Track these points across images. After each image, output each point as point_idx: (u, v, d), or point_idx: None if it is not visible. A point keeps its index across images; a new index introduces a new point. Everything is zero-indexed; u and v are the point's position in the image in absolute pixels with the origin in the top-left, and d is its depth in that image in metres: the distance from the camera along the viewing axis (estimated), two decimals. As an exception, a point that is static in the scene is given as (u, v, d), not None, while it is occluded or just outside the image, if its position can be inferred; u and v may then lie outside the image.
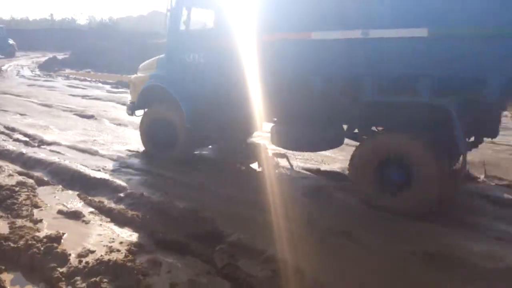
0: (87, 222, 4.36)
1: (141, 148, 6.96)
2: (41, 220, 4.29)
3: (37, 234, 3.85)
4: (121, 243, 3.88)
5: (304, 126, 5.16)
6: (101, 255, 3.54)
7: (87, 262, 3.41)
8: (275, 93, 5.13)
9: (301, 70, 4.90)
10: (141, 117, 6.81)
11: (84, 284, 3.16)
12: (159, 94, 6.40)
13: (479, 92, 3.99)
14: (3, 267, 3.44)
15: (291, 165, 6.21)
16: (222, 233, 4.09)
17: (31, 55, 33.21)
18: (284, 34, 4.91)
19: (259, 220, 4.40)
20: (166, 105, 6.38)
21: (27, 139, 7.60)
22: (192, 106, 6.05)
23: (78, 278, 3.24)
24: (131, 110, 7.01)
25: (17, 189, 5.00)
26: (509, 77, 3.85)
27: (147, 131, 6.69)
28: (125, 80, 18.33)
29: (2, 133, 8.08)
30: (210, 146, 7.08)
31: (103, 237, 4.01)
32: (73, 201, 4.97)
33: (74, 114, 10.38)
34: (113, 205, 4.86)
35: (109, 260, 3.37)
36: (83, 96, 13.74)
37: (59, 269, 3.33)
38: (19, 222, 4.19)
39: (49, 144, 7.30)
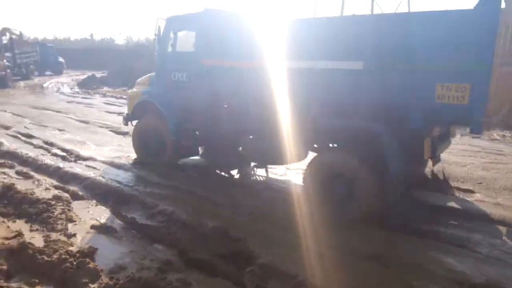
0: (119, 238, 4.39)
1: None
2: (75, 235, 4.35)
3: (70, 248, 3.90)
4: (152, 260, 3.87)
5: (274, 142, 5.63)
6: (132, 272, 3.53)
7: (118, 279, 3.40)
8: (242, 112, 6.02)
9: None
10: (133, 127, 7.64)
11: (114, 302, 3.14)
12: (150, 108, 7.27)
13: (406, 119, 4.58)
14: (36, 281, 3.48)
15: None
16: (253, 254, 4.00)
17: (71, 73, 34.72)
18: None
19: (290, 241, 4.30)
20: (155, 118, 7.18)
21: (64, 154, 7.82)
22: (176, 119, 6.83)
23: (109, 295, 3.23)
24: (126, 120, 7.90)
25: (53, 202, 5.11)
26: (427, 107, 4.44)
27: (138, 139, 7.54)
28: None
29: (41, 147, 8.35)
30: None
31: (135, 254, 4.01)
32: (106, 216, 5.03)
33: (110, 131, 10.66)
34: (144, 222, 4.88)
35: (140, 278, 3.35)
36: (119, 113, 14.11)
37: (90, 285, 3.33)
38: (54, 235, 4.26)
39: (85, 159, 7.48)
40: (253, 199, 5.61)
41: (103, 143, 9.04)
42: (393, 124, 4.68)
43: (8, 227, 4.49)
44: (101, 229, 4.56)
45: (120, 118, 12.78)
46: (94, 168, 6.93)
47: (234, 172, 6.74)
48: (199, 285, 3.52)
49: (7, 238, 4.13)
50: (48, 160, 7.35)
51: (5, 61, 19.53)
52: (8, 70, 19.68)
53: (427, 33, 4.40)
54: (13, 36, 24.46)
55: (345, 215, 4.91)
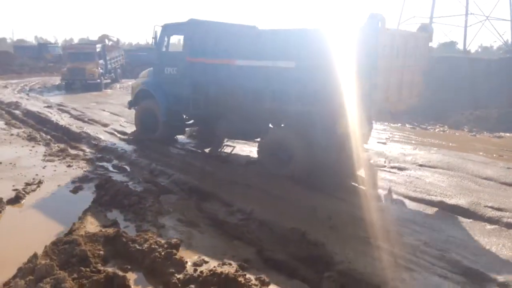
0: (202, 232, 4.59)
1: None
2: (163, 226, 4.64)
3: (159, 239, 4.16)
4: (232, 256, 3.99)
5: (241, 123, 7.65)
6: (214, 267, 3.67)
7: (201, 272, 3.56)
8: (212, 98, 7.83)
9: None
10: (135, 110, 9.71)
11: (197, 293, 3.28)
12: (147, 95, 9.20)
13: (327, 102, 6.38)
14: (129, 267, 3.77)
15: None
16: (332, 259, 3.93)
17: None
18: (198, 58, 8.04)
19: (371, 247, 4.15)
20: (152, 103, 9.05)
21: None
22: (166, 104, 8.72)
23: (193, 286, 3.39)
24: (129, 105, 10.10)
25: (144, 195, 5.51)
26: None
27: (139, 119, 9.51)
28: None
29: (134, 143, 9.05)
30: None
31: (216, 249, 4.17)
32: (190, 210, 5.29)
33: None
34: (225, 218, 5.04)
35: (221, 272, 3.46)
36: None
37: (176, 275, 3.52)
38: (145, 226, 4.59)
39: (172, 156, 7.95)
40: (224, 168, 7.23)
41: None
42: (318, 107, 6.47)
43: (105, 216, 4.93)
44: (186, 223, 4.81)
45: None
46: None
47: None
48: (278, 286, 3.54)
49: (104, 226, 4.54)
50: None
51: (99, 68, 21.36)
52: (102, 77, 21.52)
53: (334, 43, 6.18)
54: (111, 43, 26.77)
55: (287, 173, 6.68)
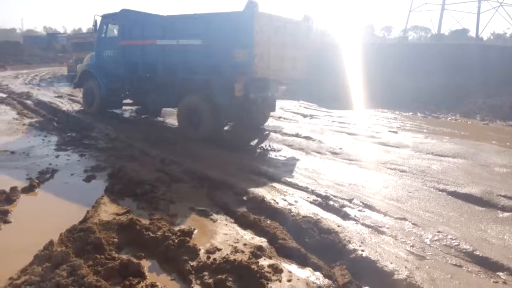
0: (214, 221, 4.61)
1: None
2: (175, 215, 4.68)
3: (172, 227, 4.20)
4: (244, 244, 4.00)
5: (164, 94, 9.71)
6: (227, 254, 3.69)
7: (214, 259, 3.58)
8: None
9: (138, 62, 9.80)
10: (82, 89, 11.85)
11: (211, 280, 3.31)
12: (90, 75, 11.32)
13: (223, 71, 8.25)
14: (142, 254, 3.81)
15: None
16: (344, 247, 3.93)
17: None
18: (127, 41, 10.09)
19: (387, 236, 4.15)
20: (92, 81, 11.17)
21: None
22: (105, 83, 10.84)
23: (206, 273, 3.42)
24: (74, 86, 12.55)
25: (156, 184, 5.55)
26: (231, 63, 8.06)
27: (84, 97, 11.73)
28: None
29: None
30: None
31: (228, 237, 4.19)
32: (202, 199, 5.32)
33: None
34: (236, 207, 5.06)
35: (234, 260, 3.48)
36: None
37: (190, 262, 3.56)
38: (157, 214, 4.63)
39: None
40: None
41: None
42: (217, 75, 8.29)
43: (119, 204, 4.98)
44: (198, 211, 4.84)
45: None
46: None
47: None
48: (290, 273, 3.55)
49: (118, 214, 4.59)
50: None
51: None
52: None
53: (226, 24, 8.13)
54: None
55: (198, 134, 8.54)
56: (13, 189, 5.26)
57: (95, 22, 11.02)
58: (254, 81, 8.40)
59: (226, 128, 9.78)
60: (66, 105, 12.68)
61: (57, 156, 7.20)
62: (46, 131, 9.28)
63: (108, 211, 4.64)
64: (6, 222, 4.48)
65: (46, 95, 15.12)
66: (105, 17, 10.86)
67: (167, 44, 8.99)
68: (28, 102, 13.54)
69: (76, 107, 12.49)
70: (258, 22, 7.72)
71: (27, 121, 10.42)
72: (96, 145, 8.02)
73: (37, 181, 5.76)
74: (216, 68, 8.29)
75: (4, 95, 15.53)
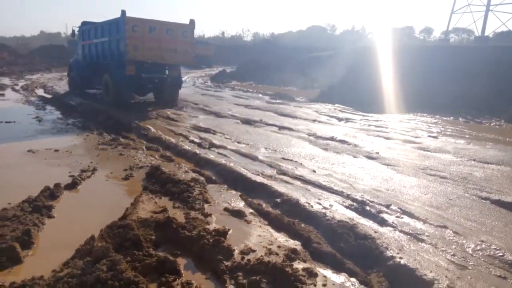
0: (248, 222, 4.62)
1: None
2: (210, 215, 4.73)
3: (207, 226, 4.24)
4: (278, 247, 3.98)
5: (97, 76, 14.83)
6: (261, 256, 3.68)
7: (248, 260, 3.59)
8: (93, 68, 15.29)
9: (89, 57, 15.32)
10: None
11: (245, 281, 3.31)
12: (71, 68, 17.11)
13: (121, 57, 12.94)
14: (178, 252, 3.87)
15: None
16: (382, 254, 3.83)
17: (205, 69, 37.77)
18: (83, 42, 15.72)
19: (426, 244, 4.01)
20: (73, 72, 16.84)
21: (200, 141, 8.56)
22: (78, 72, 16.01)
23: (240, 274, 3.43)
24: (67, 74, 18.06)
25: (191, 184, 5.63)
26: (121, 53, 12.83)
27: (70, 82, 17.26)
28: (283, 92, 19.25)
29: (181, 134, 9.28)
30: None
31: (263, 239, 4.18)
32: (236, 200, 5.35)
33: (238, 121, 11.30)
34: (270, 209, 5.05)
35: (268, 261, 3.47)
36: (246, 106, 14.89)
37: (224, 262, 3.58)
38: (193, 213, 4.69)
39: (217, 147, 8.07)
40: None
41: (233, 134, 9.60)
42: (113, 60, 13.17)
43: (156, 202, 5.09)
44: (233, 212, 4.86)
45: (247, 110, 13.57)
46: (225, 155, 7.42)
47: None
48: (325, 278, 3.50)
49: (155, 212, 4.69)
50: (186, 146, 8.12)
51: None
52: None
53: (115, 26, 12.80)
54: None
55: (109, 100, 13.48)
56: (57, 185, 5.49)
57: (73, 32, 16.88)
58: (143, 64, 13.03)
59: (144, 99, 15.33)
60: (110, 108, 13.15)
61: (98, 155, 7.46)
62: (88, 130, 9.65)
63: (146, 208, 4.75)
64: (50, 217, 4.68)
65: (88, 97, 15.76)
66: (79, 27, 16.03)
67: (95, 42, 14.36)
68: (72, 102, 14.14)
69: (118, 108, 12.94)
70: (128, 24, 12.24)
71: (70, 121, 10.87)
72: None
73: (79, 178, 5.99)
74: (113, 55, 13.32)
75: (49, 96, 16.31)
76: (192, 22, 13.84)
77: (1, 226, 4.22)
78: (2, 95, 16.46)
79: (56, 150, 7.64)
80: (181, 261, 3.71)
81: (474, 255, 3.86)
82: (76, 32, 16.29)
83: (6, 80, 23.31)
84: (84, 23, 15.52)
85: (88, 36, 14.86)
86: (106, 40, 13.43)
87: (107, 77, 13.54)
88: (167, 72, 14.15)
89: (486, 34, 39.95)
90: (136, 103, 14.79)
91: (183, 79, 26.48)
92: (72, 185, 5.74)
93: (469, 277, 3.46)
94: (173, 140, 8.57)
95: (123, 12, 12.26)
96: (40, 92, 18.14)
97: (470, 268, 3.62)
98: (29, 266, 3.61)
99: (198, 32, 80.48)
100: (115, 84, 13.13)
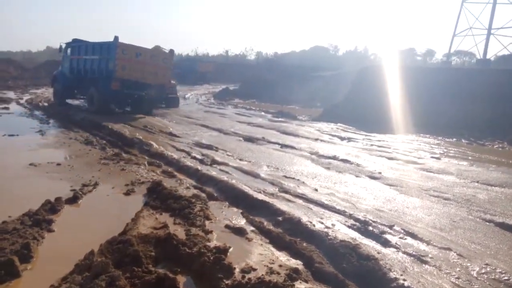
0: (249, 240, 4.57)
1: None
2: (211, 232, 4.68)
3: (208, 243, 4.20)
4: (280, 266, 3.93)
5: (83, 88, 16.90)
6: (262, 275, 3.63)
7: (249, 279, 3.53)
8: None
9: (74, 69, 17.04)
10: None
11: (245, 300, 3.26)
12: (55, 79, 18.23)
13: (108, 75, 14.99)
14: (178, 269, 3.82)
15: None
16: (385, 276, 3.77)
17: (208, 87, 38.09)
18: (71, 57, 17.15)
19: (430, 266, 3.94)
20: (57, 83, 17.93)
21: (202, 158, 8.55)
22: (63, 83, 17.36)
23: (241, 293, 3.37)
24: (51, 85, 19.02)
25: (193, 200, 5.60)
26: (108, 69, 14.96)
27: (55, 92, 18.21)
28: (286, 111, 19.34)
29: (183, 150, 9.28)
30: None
31: (264, 257, 4.13)
32: (237, 218, 5.31)
33: (240, 139, 11.31)
34: (272, 227, 5.00)
35: (270, 281, 3.42)
36: (248, 123, 14.94)
37: (225, 280, 3.52)
38: (193, 230, 4.65)
39: (219, 164, 8.05)
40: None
41: (235, 151, 9.59)
42: (101, 75, 15.15)
43: (156, 218, 5.06)
44: (234, 229, 4.82)
45: (249, 128, 13.61)
46: (227, 172, 7.39)
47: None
48: (327, 298, 3.44)
49: (155, 228, 4.65)
50: (188, 162, 8.10)
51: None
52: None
53: (106, 48, 14.98)
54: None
55: (93, 109, 15.31)
56: (58, 199, 5.47)
57: (60, 47, 17.83)
58: (126, 81, 15.04)
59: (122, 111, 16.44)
60: (110, 122, 13.22)
61: (99, 170, 7.45)
62: (91, 145, 9.66)
63: (146, 224, 4.72)
64: (50, 231, 4.65)
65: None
66: (66, 44, 17.59)
67: (85, 58, 16.02)
68: (75, 117, 14.22)
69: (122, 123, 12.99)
70: (119, 48, 14.58)
71: (73, 135, 10.90)
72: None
73: (80, 192, 5.97)
74: (101, 72, 15.16)
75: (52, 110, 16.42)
76: (171, 51, 16.89)
77: (0, 239, 4.19)
78: (7, 108, 16.57)
79: (58, 164, 7.63)
80: (181, 279, 3.66)
81: (479, 278, 3.80)
82: (63, 48, 17.79)
83: (11, 94, 23.50)
84: (75, 40, 17.19)
85: (78, 52, 16.48)
86: (96, 58, 15.36)
87: (93, 90, 15.45)
88: (146, 91, 16.02)
89: (487, 57, 40.30)
90: (122, 113, 16.19)
91: (187, 95, 26.79)
92: (73, 199, 5.71)
93: (474, 301, 3.39)
94: (175, 156, 8.57)
95: (116, 37, 14.58)
96: (45, 105, 18.29)
97: (475, 291, 3.56)
98: (28, 281, 3.56)
99: (202, 50, 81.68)
100: (101, 96, 15.16)
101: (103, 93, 15.03)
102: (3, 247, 3.99)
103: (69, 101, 17.96)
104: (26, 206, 5.04)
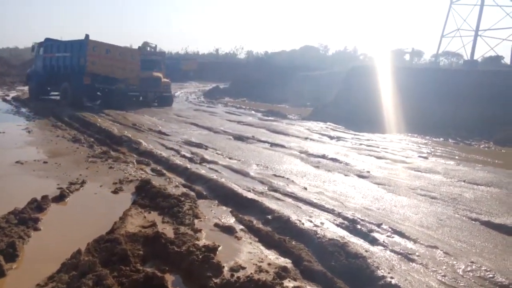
0: (238, 238, 4.57)
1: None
2: (200, 230, 4.67)
3: (196, 242, 4.18)
4: (269, 264, 3.93)
5: (55, 84, 18.29)
6: (251, 273, 3.63)
7: (238, 277, 3.52)
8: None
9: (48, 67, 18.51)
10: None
11: (234, 299, 3.25)
12: (29, 77, 20.12)
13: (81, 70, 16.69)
14: (166, 268, 3.80)
15: None
16: (373, 273, 3.80)
17: (198, 85, 37.95)
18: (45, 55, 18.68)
19: (417, 264, 3.98)
20: (32, 80, 19.52)
21: (191, 156, 8.52)
22: (36, 80, 18.90)
23: (230, 291, 3.37)
24: (25, 83, 21.69)
25: (182, 199, 5.58)
26: (80, 66, 16.67)
27: (30, 89, 19.83)
28: (276, 110, 19.37)
29: (172, 149, 9.24)
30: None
31: (253, 256, 4.13)
32: (226, 216, 5.30)
33: (230, 137, 11.30)
34: (261, 226, 5.00)
35: (258, 279, 3.41)
36: (238, 122, 14.92)
37: (213, 279, 3.51)
38: (182, 229, 4.63)
39: (209, 162, 8.03)
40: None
41: (224, 149, 9.58)
42: (73, 71, 16.77)
43: (145, 217, 5.02)
44: (223, 228, 4.81)
45: (239, 126, 13.59)
46: (216, 171, 7.38)
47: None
48: (315, 296, 3.45)
49: (143, 227, 4.62)
50: (177, 161, 8.06)
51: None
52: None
53: (78, 45, 16.75)
54: (151, 49, 27.57)
55: (66, 102, 16.70)
56: (44, 197, 5.40)
57: (33, 46, 20.00)
58: (97, 76, 16.68)
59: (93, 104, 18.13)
60: (98, 119, 13.07)
61: (87, 168, 7.38)
62: (79, 143, 9.55)
63: (135, 223, 4.68)
64: (36, 229, 4.59)
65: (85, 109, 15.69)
66: (38, 43, 19.13)
67: (58, 55, 17.43)
68: (63, 115, 14.05)
69: (107, 120, 12.84)
70: (90, 45, 16.26)
71: (60, 132, 10.77)
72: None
73: (67, 190, 5.90)
74: (73, 67, 16.72)
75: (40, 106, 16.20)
76: (139, 48, 19.92)
77: (-15, 238, 4.12)
78: (-8, 105, 16.30)
79: (45, 162, 7.54)
80: (169, 278, 3.64)
81: (465, 276, 3.85)
82: (36, 47, 19.37)
83: (-3, 91, 23.11)
84: (48, 40, 18.61)
85: (51, 50, 17.87)
86: (69, 55, 16.90)
87: (66, 84, 16.86)
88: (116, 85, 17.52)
89: (475, 58, 40.84)
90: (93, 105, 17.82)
91: (177, 93, 26.63)
92: (60, 198, 5.65)
93: (459, 299, 3.44)
94: (164, 154, 8.53)
95: (87, 35, 16.33)
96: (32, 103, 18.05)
97: (460, 289, 3.61)
98: (13, 280, 3.51)
99: (192, 48, 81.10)
100: (74, 90, 16.55)
101: (75, 87, 16.39)
102: (-13, 246, 3.93)
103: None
104: (12, 204, 4.96)
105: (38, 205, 5.18)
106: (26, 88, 23.58)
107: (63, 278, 3.28)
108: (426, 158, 9.56)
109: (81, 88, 16.37)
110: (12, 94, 22.03)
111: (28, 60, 42.51)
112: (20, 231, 4.36)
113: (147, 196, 5.77)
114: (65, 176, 6.76)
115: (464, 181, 7.43)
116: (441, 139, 12.88)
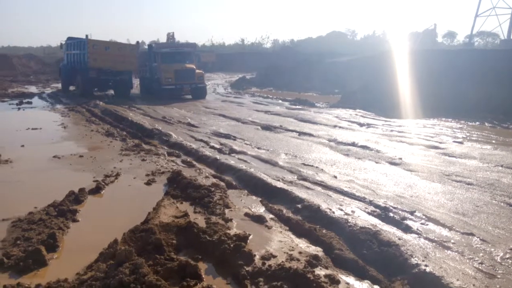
0: (269, 227, 4.60)
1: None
2: (231, 220, 4.73)
3: (228, 231, 4.24)
4: (300, 253, 3.94)
5: (74, 77, 21.15)
6: (282, 261, 3.65)
7: (269, 266, 3.56)
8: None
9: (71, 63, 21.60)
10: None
11: (266, 286, 3.29)
12: (61, 70, 23.47)
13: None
14: (199, 257, 3.88)
15: None
16: (406, 262, 3.74)
17: (225, 76, 38.09)
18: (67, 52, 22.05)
19: (452, 252, 3.89)
20: (61, 74, 23.34)
21: (220, 147, 8.60)
22: (64, 74, 22.38)
23: (261, 279, 3.40)
24: (59, 75, 25.19)
25: (212, 189, 5.66)
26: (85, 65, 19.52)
27: (62, 82, 23.37)
28: (303, 98, 19.20)
29: (201, 140, 9.35)
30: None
31: (283, 244, 4.15)
32: (256, 206, 5.34)
33: (258, 127, 11.31)
34: (291, 215, 5.01)
35: (290, 267, 3.43)
36: (266, 112, 14.90)
37: (245, 267, 3.56)
38: (213, 218, 4.71)
39: (237, 153, 8.09)
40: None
41: (253, 140, 9.60)
42: (81, 66, 19.73)
43: (177, 207, 5.13)
44: (253, 217, 4.85)
45: (267, 116, 13.57)
46: (245, 161, 7.42)
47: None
48: (348, 285, 3.44)
49: (176, 217, 4.72)
50: (207, 152, 8.16)
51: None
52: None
53: (83, 44, 19.52)
54: (171, 40, 28.08)
55: (79, 92, 20.38)
56: (81, 190, 5.61)
57: (61, 44, 22.59)
58: (102, 69, 18.85)
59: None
60: (130, 113, 13.38)
61: (121, 161, 7.59)
62: (112, 137, 9.83)
63: (168, 213, 4.79)
64: (74, 221, 4.79)
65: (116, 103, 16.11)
66: (66, 41, 21.47)
67: (74, 53, 20.11)
68: (95, 110, 14.47)
69: (138, 114, 13.12)
70: (89, 44, 18.48)
71: (94, 127, 11.11)
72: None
73: (103, 183, 6.10)
74: (81, 63, 19.09)
75: (73, 104, 16.75)
76: (137, 43, 21.99)
77: (27, 229, 4.35)
78: (30, 102, 17.00)
79: (81, 156, 7.81)
80: (202, 266, 3.72)
81: (503, 263, 3.73)
82: (63, 45, 22.25)
83: (33, 89, 24.14)
84: (69, 38, 21.22)
85: (70, 48, 20.88)
86: (77, 52, 19.71)
87: (79, 77, 19.88)
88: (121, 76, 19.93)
89: (512, 37, 38.93)
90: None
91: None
92: (96, 190, 5.85)
93: (498, 286, 3.33)
94: (194, 146, 8.65)
95: (86, 35, 18.81)
96: (65, 99, 18.69)
97: (499, 276, 3.49)
98: (54, 269, 3.68)
99: (217, 39, 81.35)
100: (83, 82, 19.55)
101: (84, 79, 19.35)
102: (30, 237, 4.14)
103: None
104: (51, 197, 5.19)
105: (76, 197, 5.39)
106: (59, 83, 24.79)
107: (101, 267, 3.41)
108: (461, 143, 9.25)
109: (88, 80, 19.17)
110: (47, 91, 22.96)
111: (60, 58, 44.05)
112: (60, 223, 4.56)
113: (178, 187, 5.88)
114: (100, 169, 6.98)
115: (502, 166, 7.14)
116: (477, 123, 12.41)
